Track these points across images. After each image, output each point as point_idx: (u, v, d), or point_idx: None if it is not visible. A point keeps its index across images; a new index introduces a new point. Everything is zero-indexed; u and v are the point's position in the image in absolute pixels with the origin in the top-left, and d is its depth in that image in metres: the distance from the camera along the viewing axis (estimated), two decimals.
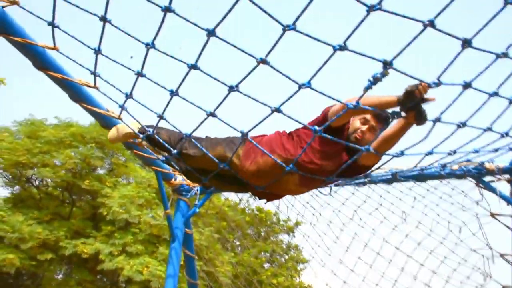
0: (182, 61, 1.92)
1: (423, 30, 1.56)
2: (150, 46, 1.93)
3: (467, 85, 1.80)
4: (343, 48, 1.64)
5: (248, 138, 2.28)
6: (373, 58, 1.68)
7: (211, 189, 4.12)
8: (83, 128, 13.89)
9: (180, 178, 4.13)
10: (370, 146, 2.07)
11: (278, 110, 1.99)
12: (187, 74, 1.97)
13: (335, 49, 1.65)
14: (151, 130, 2.52)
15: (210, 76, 1.92)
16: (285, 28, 1.61)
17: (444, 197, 3.93)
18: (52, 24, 2.03)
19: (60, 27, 2.04)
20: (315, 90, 1.91)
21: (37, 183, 14.89)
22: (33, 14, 1.98)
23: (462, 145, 2.46)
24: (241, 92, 1.93)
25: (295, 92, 1.92)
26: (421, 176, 3.65)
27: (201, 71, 1.91)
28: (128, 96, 2.30)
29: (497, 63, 1.75)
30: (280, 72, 1.81)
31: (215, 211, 12.54)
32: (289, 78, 1.83)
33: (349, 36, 1.62)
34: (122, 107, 2.46)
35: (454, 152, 2.52)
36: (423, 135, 2.09)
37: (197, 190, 4.17)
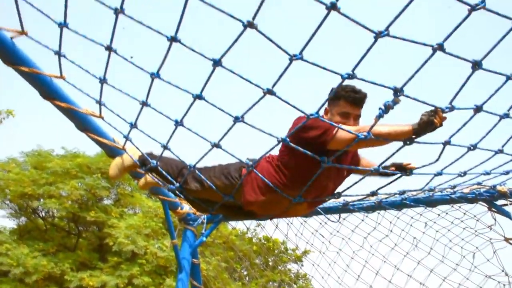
0: (187, 91, 1.91)
1: (432, 55, 1.55)
2: (155, 76, 1.92)
3: (478, 109, 1.78)
4: (351, 76, 1.63)
5: (254, 171, 2.26)
6: (383, 86, 1.66)
7: (218, 218, 4.07)
8: (89, 158, 13.93)
9: (186, 207, 4.08)
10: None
11: (284, 140, 1.99)
12: (191, 104, 1.96)
13: (343, 78, 1.64)
14: (154, 161, 2.49)
15: (215, 106, 1.91)
16: (292, 58, 1.61)
17: (456, 222, 3.83)
18: (58, 54, 2.05)
19: (67, 56, 2.05)
20: (323, 119, 1.90)
21: (43, 214, 14.86)
22: (40, 43, 2.00)
23: (472, 167, 2.42)
24: (246, 123, 1.92)
25: (303, 123, 1.93)
26: (431, 201, 3.58)
27: (206, 101, 1.90)
28: (133, 126, 2.29)
29: (508, 83, 1.73)
30: (287, 103, 1.81)
31: (222, 240, 12.39)
32: (297, 109, 1.82)
33: (357, 64, 1.61)
34: (127, 138, 2.44)
35: (465, 173, 2.47)
36: (433, 157, 2.05)
37: (204, 219, 4.12)
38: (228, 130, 2.01)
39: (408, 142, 1.93)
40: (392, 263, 4.26)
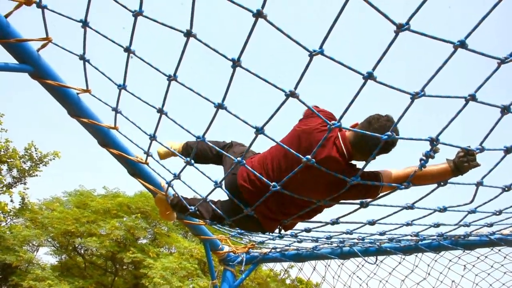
0: (230, 156, 2.11)
1: (465, 105, 1.67)
2: (201, 139, 2.07)
3: (508, 150, 1.86)
4: (390, 137, 1.78)
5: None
6: (420, 139, 1.79)
7: (257, 259, 4.16)
8: (129, 198, 14.31)
9: (227, 248, 4.20)
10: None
11: (325, 203, 2.22)
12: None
13: (383, 139, 1.79)
14: (193, 207, 2.64)
15: (254, 173, 2.14)
16: (331, 126, 1.77)
17: (496, 265, 3.77)
18: (115, 110, 2.29)
19: (122, 113, 2.30)
20: (365, 182, 2.04)
21: (82, 251, 15.23)
22: (101, 100, 2.26)
23: (508, 207, 2.46)
24: (284, 191, 2.15)
25: (346, 189, 2.08)
26: (469, 244, 3.52)
27: (245, 166, 2.12)
28: (176, 176, 2.47)
29: None
30: (328, 171, 2.02)
31: (257, 281, 12.29)
32: (338, 176, 2.04)
33: (396, 123, 1.77)
34: (168, 184, 2.63)
35: (500, 212, 2.50)
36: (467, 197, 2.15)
37: (243, 256, 4.20)
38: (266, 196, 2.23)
39: (442, 184, 2.04)
40: None
